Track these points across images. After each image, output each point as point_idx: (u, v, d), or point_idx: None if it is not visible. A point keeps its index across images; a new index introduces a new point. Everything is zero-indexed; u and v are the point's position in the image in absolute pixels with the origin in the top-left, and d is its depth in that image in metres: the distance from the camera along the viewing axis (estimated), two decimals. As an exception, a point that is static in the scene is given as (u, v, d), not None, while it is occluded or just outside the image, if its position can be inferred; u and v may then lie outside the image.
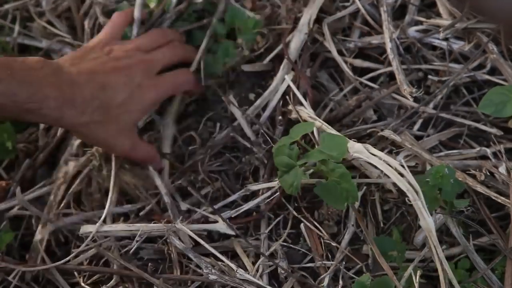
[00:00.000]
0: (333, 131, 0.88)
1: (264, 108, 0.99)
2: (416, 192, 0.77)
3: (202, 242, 0.87)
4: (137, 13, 1.01)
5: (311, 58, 1.02)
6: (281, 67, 1.00)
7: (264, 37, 1.02)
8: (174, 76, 0.99)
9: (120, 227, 0.91)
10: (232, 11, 1.03)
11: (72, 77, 0.87)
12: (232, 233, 0.89)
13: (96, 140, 0.92)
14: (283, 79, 0.99)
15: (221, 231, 0.89)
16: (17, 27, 1.10)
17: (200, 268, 0.86)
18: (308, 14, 1.02)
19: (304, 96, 0.97)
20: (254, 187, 0.92)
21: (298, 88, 0.98)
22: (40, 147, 1.02)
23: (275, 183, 0.90)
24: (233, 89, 1.02)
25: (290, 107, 0.95)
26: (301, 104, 0.96)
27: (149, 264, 0.88)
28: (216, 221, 0.90)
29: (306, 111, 0.94)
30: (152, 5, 1.03)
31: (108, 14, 1.06)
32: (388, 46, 0.98)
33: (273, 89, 0.99)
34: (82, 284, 0.89)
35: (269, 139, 0.96)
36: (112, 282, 0.89)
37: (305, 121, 0.93)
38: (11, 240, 0.93)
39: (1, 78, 0.79)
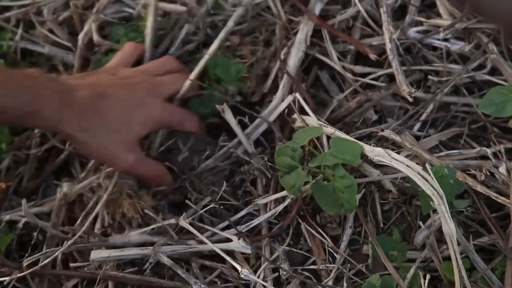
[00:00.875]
0: (346, 136, 0.87)
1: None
2: (440, 196, 0.77)
3: (209, 243, 0.86)
4: (148, 41, 1.02)
5: (309, 64, 1.03)
6: (281, 85, 0.99)
7: (250, 80, 1.01)
8: (183, 109, 0.97)
9: (134, 252, 0.89)
10: (213, 61, 1.00)
11: (71, 85, 0.87)
12: (249, 251, 0.87)
13: (96, 149, 0.90)
14: (283, 98, 0.98)
15: (236, 249, 0.88)
16: (20, 31, 1.10)
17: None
18: (305, 30, 1.02)
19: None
20: (262, 201, 0.91)
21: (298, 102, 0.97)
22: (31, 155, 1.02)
23: (285, 193, 0.88)
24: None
25: (295, 115, 0.94)
26: (306, 113, 0.95)
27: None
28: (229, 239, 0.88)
29: (312, 119, 0.93)
30: None
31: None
32: (388, 47, 0.98)
33: (273, 107, 0.98)
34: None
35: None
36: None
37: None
38: (10, 241, 0.93)
39: (2, 81, 0.80)
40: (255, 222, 0.90)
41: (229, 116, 0.97)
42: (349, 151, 0.81)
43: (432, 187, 0.77)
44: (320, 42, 1.03)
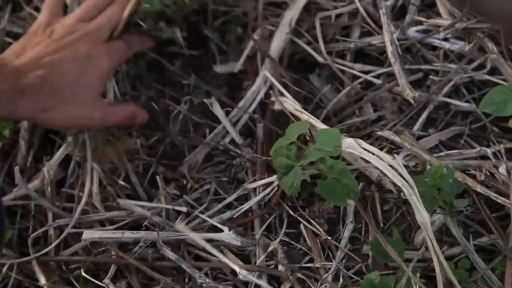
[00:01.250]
0: (322, 125, 0.88)
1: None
2: (411, 187, 0.77)
3: (207, 246, 0.84)
4: None
5: (301, 62, 1.02)
6: (263, 66, 0.99)
7: None
8: (124, 39, 0.96)
9: (127, 235, 0.89)
10: None
11: (17, 68, 0.86)
12: (238, 244, 0.87)
13: (62, 123, 0.91)
14: (266, 80, 0.98)
15: (226, 241, 0.88)
16: (7, 15, 1.09)
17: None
18: (290, 15, 1.02)
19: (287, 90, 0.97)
20: (251, 185, 0.91)
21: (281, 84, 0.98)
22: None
23: (273, 178, 0.89)
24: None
25: (272, 98, 0.95)
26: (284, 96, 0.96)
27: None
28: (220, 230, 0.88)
29: (290, 103, 0.93)
30: None
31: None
32: (389, 49, 0.98)
33: (256, 89, 0.98)
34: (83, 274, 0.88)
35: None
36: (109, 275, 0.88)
37: (291, 113, 0.93)
38: (11, 235, 0.92)
39: None
40: (246, 206, 0.91)
41: (216, 109, 0.98)
42: (330, 142, 0.81)
43: (403, 177, 0.78)
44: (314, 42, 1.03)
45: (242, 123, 0.98)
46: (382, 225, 0.89)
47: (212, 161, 0.97)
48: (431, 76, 0.98)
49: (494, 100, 0.87)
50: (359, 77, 1.00)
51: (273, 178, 0.90)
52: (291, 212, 0.91)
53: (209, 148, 0.97)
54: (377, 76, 1.00)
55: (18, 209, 0.95)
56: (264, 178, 0.92)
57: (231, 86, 1.03)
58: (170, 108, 1.00)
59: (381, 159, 0.80)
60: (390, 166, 0.79)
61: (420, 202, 0.77)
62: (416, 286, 0.78)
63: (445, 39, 1.00)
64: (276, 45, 1.01)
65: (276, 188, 0.91)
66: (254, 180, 0.93)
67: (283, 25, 1.01)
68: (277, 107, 0.95)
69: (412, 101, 0.94)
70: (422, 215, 0.77)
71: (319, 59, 1.00)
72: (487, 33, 0.98)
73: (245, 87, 1.01)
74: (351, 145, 0.82)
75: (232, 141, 0.97)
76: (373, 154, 0.80)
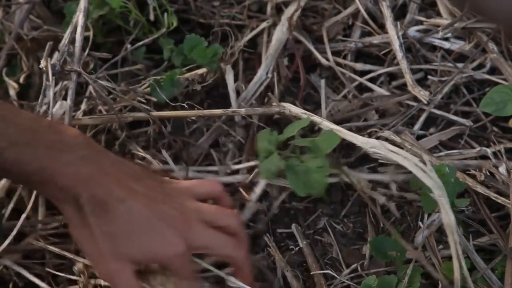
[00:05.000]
0: (333, 126, 0.88)
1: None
2: (440, 188, 0.77)
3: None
4: None
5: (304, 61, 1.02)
6: (264, 57, 1.00)
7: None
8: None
9: None
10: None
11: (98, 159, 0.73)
12: None
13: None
14: (267, 71, 0.99)
15: None
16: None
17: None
18: (290, 11, 1.02)
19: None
20: (235, 166, 0.91)
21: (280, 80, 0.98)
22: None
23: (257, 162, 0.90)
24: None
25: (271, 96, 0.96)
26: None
27: None
28: None
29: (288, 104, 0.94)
30: None
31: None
32: (396, 43, 0.97)
33: (257, 80, 0.99)
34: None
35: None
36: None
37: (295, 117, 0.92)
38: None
39: (29, 140, 0.69)
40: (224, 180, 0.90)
41: (229, 77, 0.97)
42: (327, 142, 0.82)
43: (432, 179, 0.77)
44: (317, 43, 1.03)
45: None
46: (382, 225, 0.89)
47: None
48: (430, 76, 0.98)
49: (494, 99, 0.87)
50: (360, 77, 1.00)
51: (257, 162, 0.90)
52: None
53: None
54: (378, 76, 1.00)
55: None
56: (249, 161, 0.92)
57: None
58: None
59: (408, 160, 0.80)
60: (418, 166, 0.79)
61: (448, 203, 0.76)
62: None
63: (445, 39, 1.00)
64: (277, 37, 1.01)
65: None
66: (240, 162, 0.93)
67: (284, 19, 1.01)
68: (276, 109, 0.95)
69: (424, 100, 0.94)
70: (449, 217, 0.77)
71: (324, 61, 1.01)
72: (491, 35, 0.98)
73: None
74: (376, 146, 0.81)
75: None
76: (400, 155, 0.80)
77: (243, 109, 0.94)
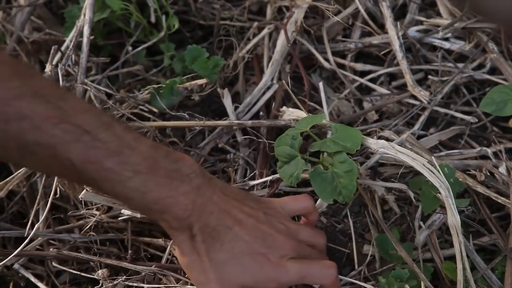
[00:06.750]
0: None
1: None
2: (447, 188, 0.77)
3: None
4: None
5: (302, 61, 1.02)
6: (270, 64, 0.99)
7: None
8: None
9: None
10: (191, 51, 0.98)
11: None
12: None
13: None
14: (272, 77, 0.99)
15: None
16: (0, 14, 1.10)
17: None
18: (297, 15, 1.02)
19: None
20: (253, 182, 0.90)
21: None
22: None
23: (277, 176, 0.88)
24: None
25: (283, 108, 0.95)
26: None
27: None
28: None
29: (301, 112, 0.93)
30: None
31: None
32: (397, 43, 0.98)
33: (262, 86, 0.98)
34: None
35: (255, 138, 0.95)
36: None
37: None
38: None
39: (148, 170, 0.70)
40: None
41: (228, 101, 0.97)
42: (349, 139, 0.80)
43: (439, 179, 0.77)
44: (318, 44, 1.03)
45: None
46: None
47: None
48: (430, 76, 0.98)
49: (494, 99, 0.87)
50: (361, 77, 1.00)
51: (276, 176, 0.88)
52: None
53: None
54: (378, 76, 1.00)
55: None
56: (263, 175, 0.91)
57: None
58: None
59: (416, 160, 0.80)
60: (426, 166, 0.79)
61: (454, 204, 0.77)
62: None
63: (445, 39, 1.00)
64: (281, 41, 1.00)
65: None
66: (254, 177, 0.92)
67: (290, 24, 1.01)
68: (287, 117, 0.94)
69: (424, 100, 0.94)
70: (455, 218, 0.77)
71: (326, 64, 1.01)
72: (491, 35, 0.98)
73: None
74: (384, 146, 0.81)
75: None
76: (408, 156, 0.80)
77: (250, 121, 0.95)
